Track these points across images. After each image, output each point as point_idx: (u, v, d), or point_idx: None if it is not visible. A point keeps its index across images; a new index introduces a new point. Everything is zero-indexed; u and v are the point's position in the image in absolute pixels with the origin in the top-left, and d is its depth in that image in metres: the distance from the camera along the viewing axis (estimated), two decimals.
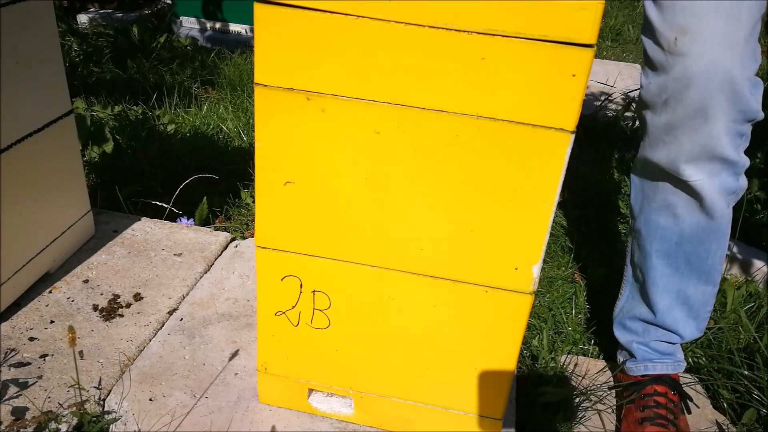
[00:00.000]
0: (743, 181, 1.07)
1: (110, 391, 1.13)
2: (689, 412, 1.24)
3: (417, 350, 0.99)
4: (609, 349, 1.47)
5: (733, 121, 0.98)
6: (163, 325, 1.29)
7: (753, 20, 0.95)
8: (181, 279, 1.42)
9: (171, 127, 2.29)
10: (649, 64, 1.03)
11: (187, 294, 1.38)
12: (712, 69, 0.94)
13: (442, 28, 0.76)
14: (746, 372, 1.34)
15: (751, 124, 1.00)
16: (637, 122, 1.14)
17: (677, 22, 0.96)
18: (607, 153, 2.26)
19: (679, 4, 0.96)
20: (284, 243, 0.94)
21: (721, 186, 1.05)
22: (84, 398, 1.09)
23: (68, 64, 2.74)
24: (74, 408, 1.06)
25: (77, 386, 1.08)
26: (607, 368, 1.38)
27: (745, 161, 1.04)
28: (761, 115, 0.98)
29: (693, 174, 1.03)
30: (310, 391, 1.09)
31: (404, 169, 0.85)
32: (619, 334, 1.30)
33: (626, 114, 2.61)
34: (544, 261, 1.67)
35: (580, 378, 1.33)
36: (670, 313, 1.19)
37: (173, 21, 3.44)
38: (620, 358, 1.32)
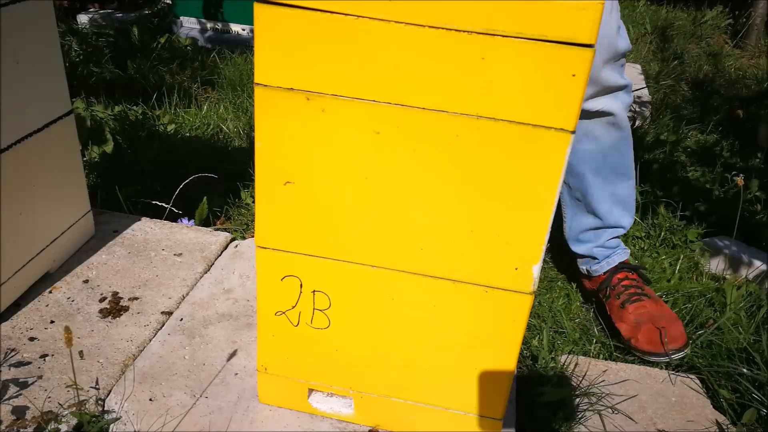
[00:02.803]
0: (632, 96, 1.43)
1: (110, 391, 1.13)
2: (649, 283, 1.57)
3: (417, 350, 0.99)
4: (609, 348, 1.47)
5: (616, 60, 1.32)
6: (163, 325, 1.29)
7: None
8: (181, 279, 1.42)
9: (171, 128, 2.29)
10: None
11: (187, 294, 1.38)
12: (602, 30, 1.25)
13: (442, 28, 0.76)
14: (746, 371, 1.34)
15: (624, 55, 1.34)
16: None
17: None
18: None
19: None
20: (284, 243, 0.94)
21: (622, 102, 1.39)
22: (84, 398, 1.09)
23: (68, 64, 2.74)
24: (74, 408, 1.07)
25: (75, 386, 1.08)
26: (608, 369, 1.38)
27: (630, 81, 1.39)
28: (630, 47, 1.33)
29: (604, 103, 1.36)
30: (310, 391, 1.09)
31: (404, 169, 0.85)
32: (577, 248, 1.58)
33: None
34: (544, 261, 1.67)
35: (580, 378, 1.33)
36: (611, 213, 1.51)
37: (173, 21, 3.44)
38: (583, 267, 1.59)
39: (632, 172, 1.51)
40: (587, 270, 1.58)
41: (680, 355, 1.35)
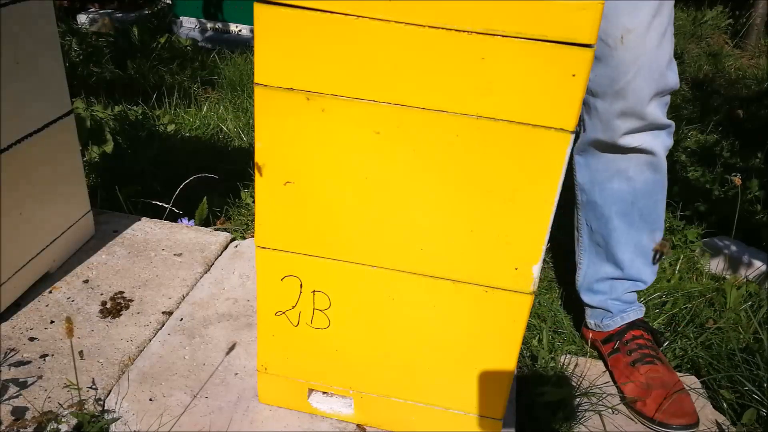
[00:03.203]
0: (672, 140, 1.31)
1: (110, 391, 1.13)
2: (660, 346, 1.42)
3: (417, 350, 0.99)
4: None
5: (662, 96, 1.21)
6: (163, 325, 1.29)
7: (669, 11, 1.17)
8: (181, 279, 1.42)
9: (171, 128, 2.29)
10: None
11: (187, 294, 1.38)
12: (653, 59, 1.15)
13: (442, 28, 0.76)
14: (746, 370, 1.34)
15: (671, 93, 1.24)
16: (581, 110, 1.28)
17: (622, 23, 1.13)
18: None
19: (621, 5, 1.12)
20: (284, 243, 0.94)
21: (663, 144, 1.27)
22: (83, 398, 1.09)
23: (68, 64, 2.74)
24: (74, 408, 1.07)
25: (75, 386, 1.08)
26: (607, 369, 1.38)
27: (673, 124, 1.28)
28: (678, 85, 1.22)
29: (643, 140, 1.24)
30: (310, 391, 1.09)
31: (404, 169, 0.85)
32: (589, 299, 1.43)
33: None
34: (544, 261, 1.67)
35: (580, 378, 1.33)
36: (633, 264, 1.37)
37: (173, 21, 3.44)
38: (591, 321, 1.44)
39: (662, 224, 1.37)
40: (596, 323, 1.43)
41: None
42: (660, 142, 1.25)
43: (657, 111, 1.20)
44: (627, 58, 1.14)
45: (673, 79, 1.20)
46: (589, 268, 1.42)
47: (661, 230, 1.37)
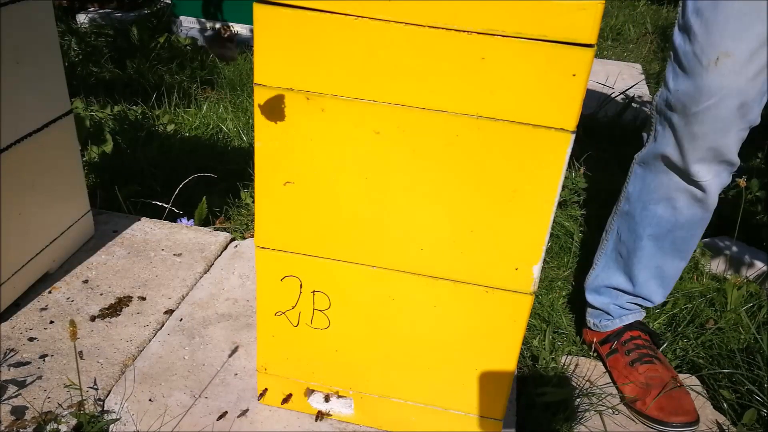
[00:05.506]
0: (730, 179, 1.22)
1: (110, 391, 1.13)
2: (659, 347, 1.42)
3: (417, 350, 0.99)
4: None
5: (743, 131, 1.11)
6: (162, 326, 1.29)
7: None
8: (180, 279, 1.42)
9: (170, 127, 2.29)
10: (681, 68, 1.11)
11: (186, 294, 1.38)
12: (744, 89, 1.05)
13: (442, 28, 0.76)
14: (746, 371, 1.34)
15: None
16: (655, 119, 1.21)
17: (723, 45, 1.03)
18: (607, 153, 2.26)
19: (728, 24, 1.03)
20: (284, 243, 0.94)
21: (721, 184, 1.19)
22: (83, 398, 1.09)
23: (67, 64, 2.74)
24: (74, 408, 1.06)
25: (74, 386, 1.08)
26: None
27: (739, 162, 1.18)
28: (758, 121, 1.11)
29: (704, 174, 1.16)
30: (310, 391, 1.09)
31: (404, 169, 0.85)
32: (593, 299, 1.43)
33: (626, 114, 2.61)
34: (545, 261, 1.66)
35: (580, 378, 1.33)
36: (647, 284, 1.35)
37: (173, 21, 3.44)
38: (591, 320, 1.45)
39: (690, 255, 1.32)
40: (595, 323, 1.43)
41: (689, 430, 1.23)
42: (719, 182, 1.18)
43: (732, 146, 1.12)
44: (715, 83, 1.05)
45: (756, 115, 1.09)
46: (602, 272, 1.40)
47: (687, 261, 1.33)
